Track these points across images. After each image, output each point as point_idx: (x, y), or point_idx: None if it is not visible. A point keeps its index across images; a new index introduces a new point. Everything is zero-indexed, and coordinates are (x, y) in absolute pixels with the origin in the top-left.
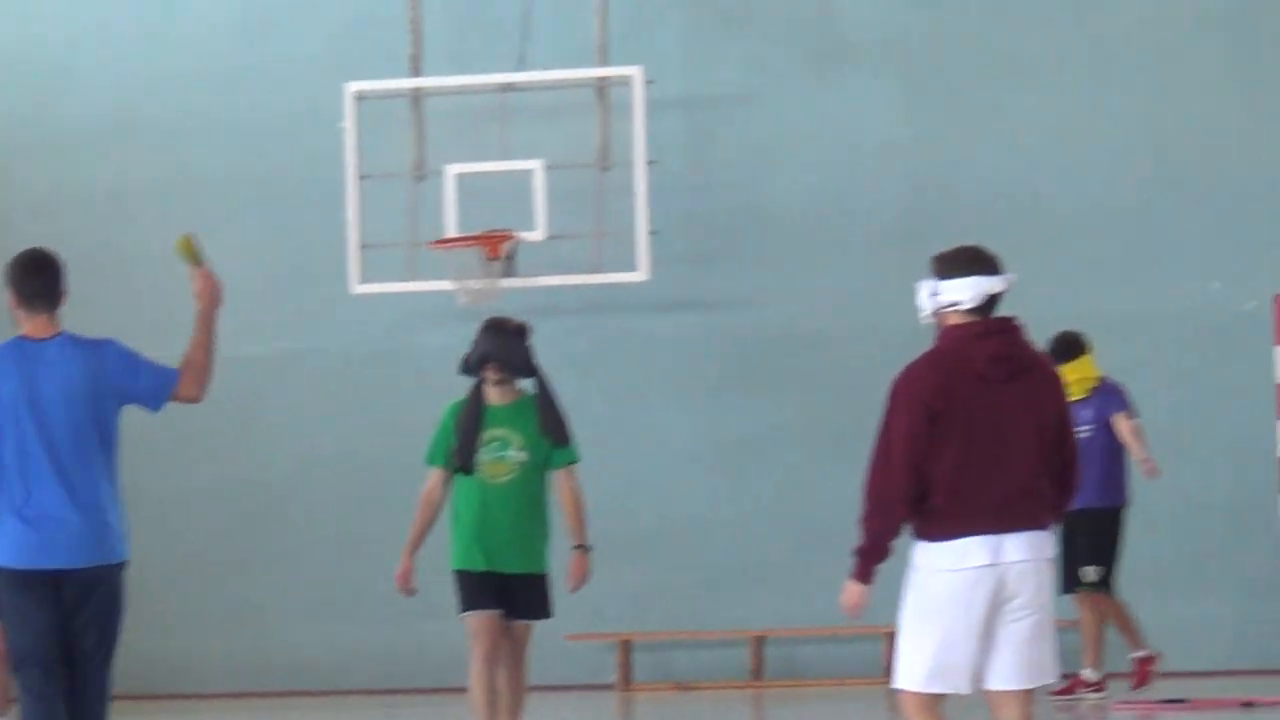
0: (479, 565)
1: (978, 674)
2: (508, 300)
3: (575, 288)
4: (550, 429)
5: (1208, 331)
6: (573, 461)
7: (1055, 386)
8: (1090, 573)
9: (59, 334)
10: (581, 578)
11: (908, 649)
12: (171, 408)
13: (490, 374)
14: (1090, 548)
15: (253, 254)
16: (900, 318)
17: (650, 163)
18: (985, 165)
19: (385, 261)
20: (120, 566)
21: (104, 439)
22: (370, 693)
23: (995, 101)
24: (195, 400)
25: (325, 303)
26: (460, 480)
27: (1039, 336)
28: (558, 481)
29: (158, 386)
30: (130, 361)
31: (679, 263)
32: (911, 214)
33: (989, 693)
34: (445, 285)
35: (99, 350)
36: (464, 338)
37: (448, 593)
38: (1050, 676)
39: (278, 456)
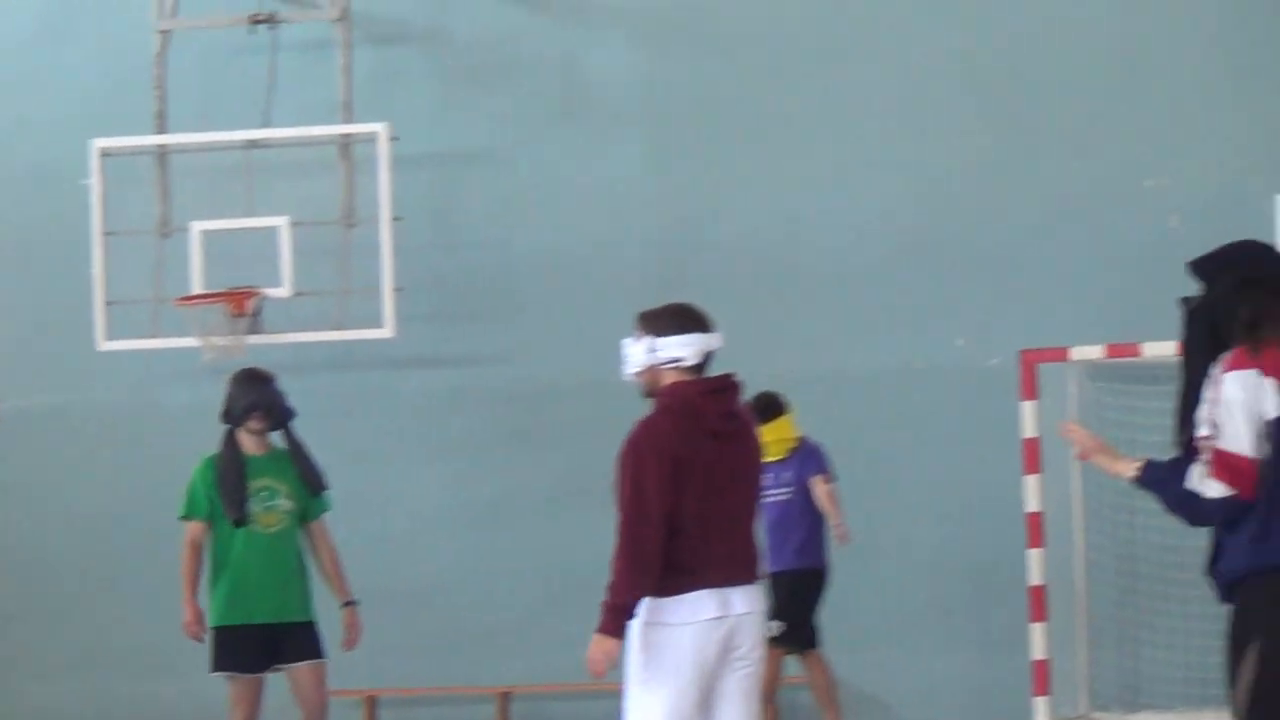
0: (244, 619)
1: None
2: (253, 356)
3: (321, 344)
4: (309, 478)
5: (954, 388)
6: (327, 510)
7: (759, 446)
8: (773, 627)
9: None
10: (358, 634)
11: (642, 705)
12: None
13: (254, 423)
14: (780, 607)
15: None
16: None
17: (396, 219)
18: (734, 219)
19: (132, 318)
20: None
21: None
22: None
23: (745, 155)
24: None
25: (73, 359)
26: (224, 533)
27: (792, 393)
28: (314, 532)
29: None
30: None
31: (425, 320)
32: (660, 268)
33: None
34: (191, 342)
35: None
36: (209, 394)
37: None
38: None
39: (30, 512)
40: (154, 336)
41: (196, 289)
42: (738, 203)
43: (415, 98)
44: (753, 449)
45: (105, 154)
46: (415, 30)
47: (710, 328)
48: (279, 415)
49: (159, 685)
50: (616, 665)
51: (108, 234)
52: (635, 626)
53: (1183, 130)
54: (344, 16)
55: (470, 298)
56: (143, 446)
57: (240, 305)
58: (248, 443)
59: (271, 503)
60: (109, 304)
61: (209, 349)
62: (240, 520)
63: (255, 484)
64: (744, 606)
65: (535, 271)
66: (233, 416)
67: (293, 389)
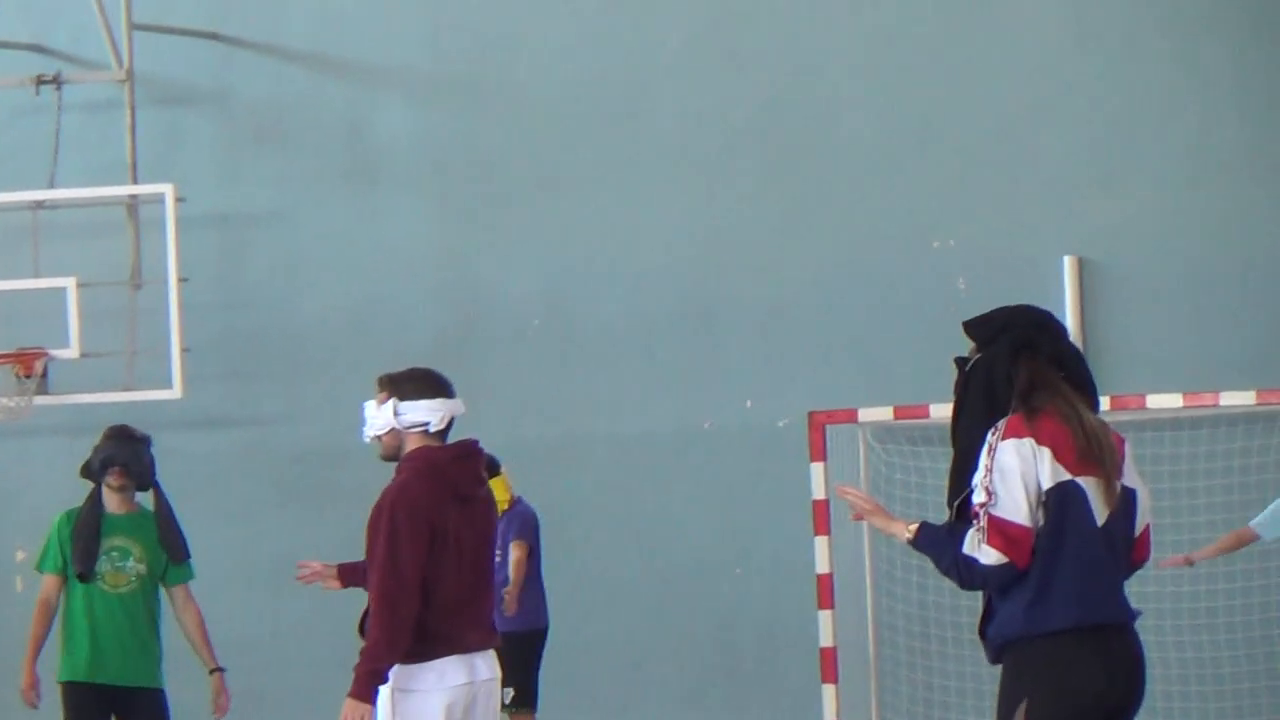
0: (90, 677)
1: None
2: (41, 417)
3: (110, 405)
4: (170, 544)
5: (743, 448)
6: (190, 578)
7: (495, 511)
8: (508, 694)
9: None
10: (224, 700)
11: None
12: None
13: (113, 479)
14: (506, 670)
15: None
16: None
17: (182, 280)
18: (517, 278)
19: None
20: None
21: None
22: None
23: (528, 214)
24: None
25: None
26: (74, 588)
27: (581, 451)
28: (177, 599)
29: None
30: None
31: (213, 380)
32: (445, 328)
33: None
34: None
35: None
36: None
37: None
38: None
39: None
40: None
41: None
42: (521, 261)
43: (201, 158)
44: (493, 513)
45: None
46: (200, 92)
47: (453, 393)
48: (138, 474)
49: None
50: None
51: None
52: (385, 693)
53: (971, 191)
54: (128, 78)
55: (257, 358)
56: None
57: (28, 366)
58: (111, 500)
59: (121, 564)
60: None
61: None
62: (85, 575)
63: (108, 542)
64: (487, 672)
65: (321, 332)
66: (91, 470)
67: (80, 450)
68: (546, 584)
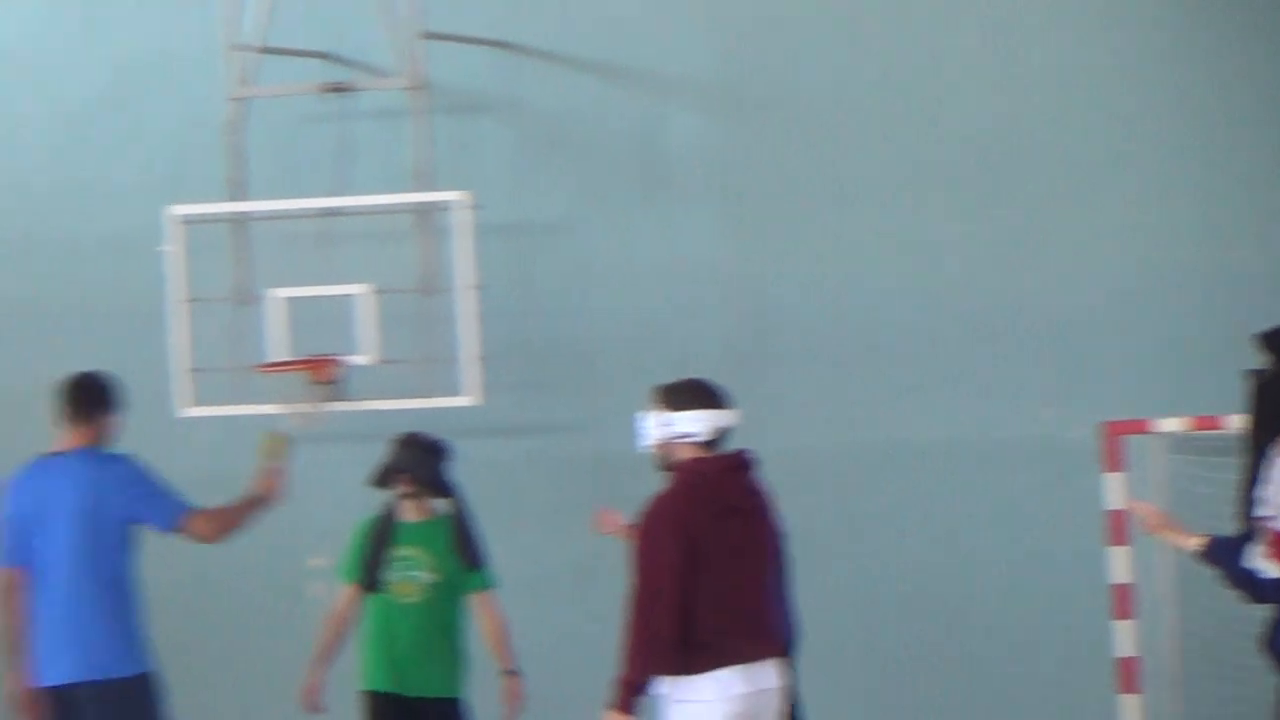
0: (383, 686)
1: None
2: (336, 425)
3: (404, 412)
4: (463, 552)
5: (1036, 459)
6: (487, 586)
7: (777, 518)
8: None
9: (80, 448)
10: (516, 705)
11: None
12: None
13: (400, 487)
14: None
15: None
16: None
17: (476, 288)
18: (810, 291)
19: (211, 385)
20: (123, 681)
21: (104, 553)
22: None
23: (821, 227)
24: (207, 542)
25: (153, 426)
26: (371, 598)
27: (872, 463)
28: (475, 606)
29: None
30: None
31: (507, 388)
32: (733, 338)
33: None
34: (273, 409)
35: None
36: (292, 461)
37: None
38: None
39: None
40: (234, 403)
41: (277, 356)
42: (814, 275)
43: (491, 167)
44: (771, 524)
45: (182, 221)
46: (490, 100)
47: (725, 404)
48: (426, 481)
49: None
50: None
51: (185, 301)
52: (667, 704)
53: (1266, 208)
54: (419, 85)
55: (551, 366)
56: None
57: (321, 373)
58: (405, 508)
59: (410, 573)
60: (189, 371)
61: (291, 417)
62: (370, 585)
63: (398, 552)
64: (768, 682)
65: (613, 340)
66: (380, 479)
67: (373, 456)
68: (818, 594)
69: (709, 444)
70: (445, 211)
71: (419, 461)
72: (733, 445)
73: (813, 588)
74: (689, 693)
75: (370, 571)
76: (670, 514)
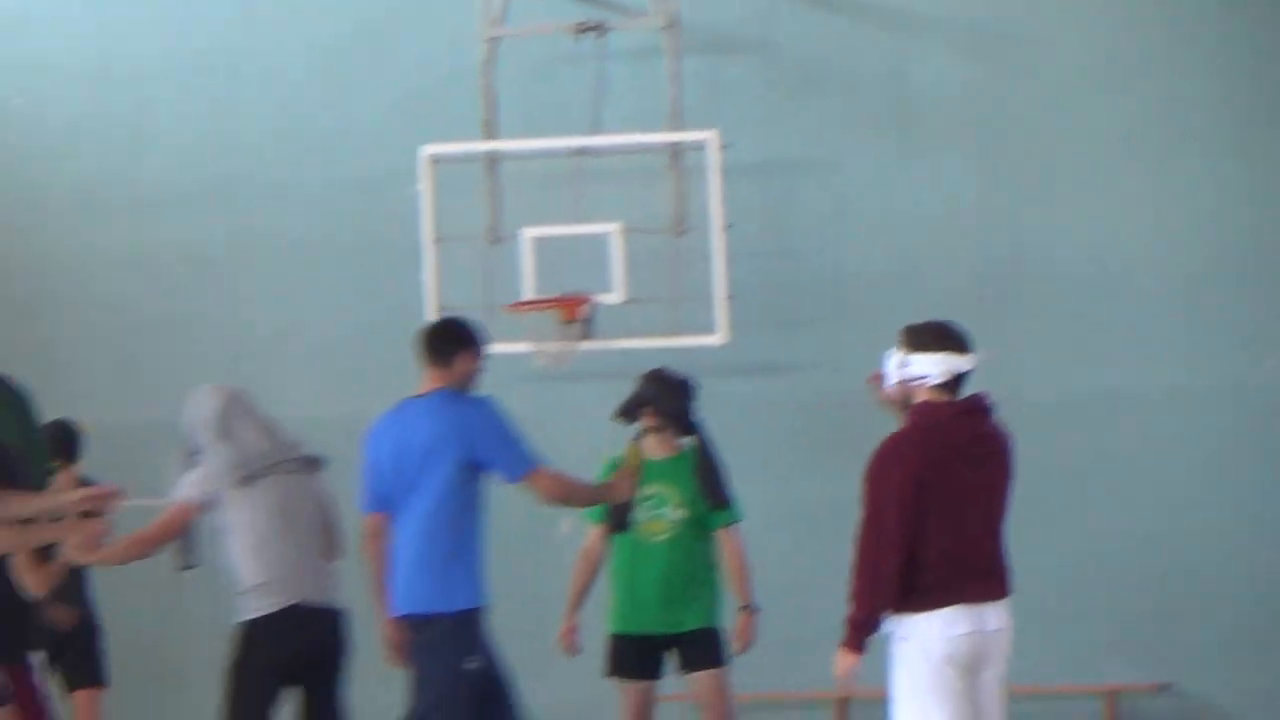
0: (631, 628)
1: None
2: (585, 363)
3: (653, 351)
4: (709, 488)
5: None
6: (734, 522)
7: (1011, 462)
8: None
9: (439, 391)
10: (748, 639)
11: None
12: None
13: (646, 420)
14: None
15: (328, 316)
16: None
17: (726, 227)
18: (1063, 236)
19: None
20: (451, 615)
21: (452, 495)
22: None
23: (1069, 170)
24: (545, 501)
25: (402, 365)
26: (618, 538)
27: (1124, 410)
28: (720, 541)
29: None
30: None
31: (756, 326)
32: (982, 282)
33: None
34: (522, 347)
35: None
36: (541, 400)
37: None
38: None
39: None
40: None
41: (527, 295)
42: (1066, 219)
43: (742, 106)
44: (1004, 468)
45: (434, 161)
46: (742, 39)
47: (965, 349)
48: (671, 415)
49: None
50: (858, 677)
51: (438, 240)
52: (895, 643)
53: None
54: (671, 25)
55: (800, 305)
56: None
57: (572, 311)
58: (650, 445)
59: (658, 510)
60: (440, 309)
61: (541, 355)
62: (621, 526)
63: (646, 490)
64: (996, 623)
65: (863, 280)
66: (627, 412)
67: (622, 395)
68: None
69: (946, 387)
70: (696, 151)
71: (666, 396)
72: (978, 388)
73: (1058, 530)
74: (914, 631)
75: (619, 512)
76: (899, 455)
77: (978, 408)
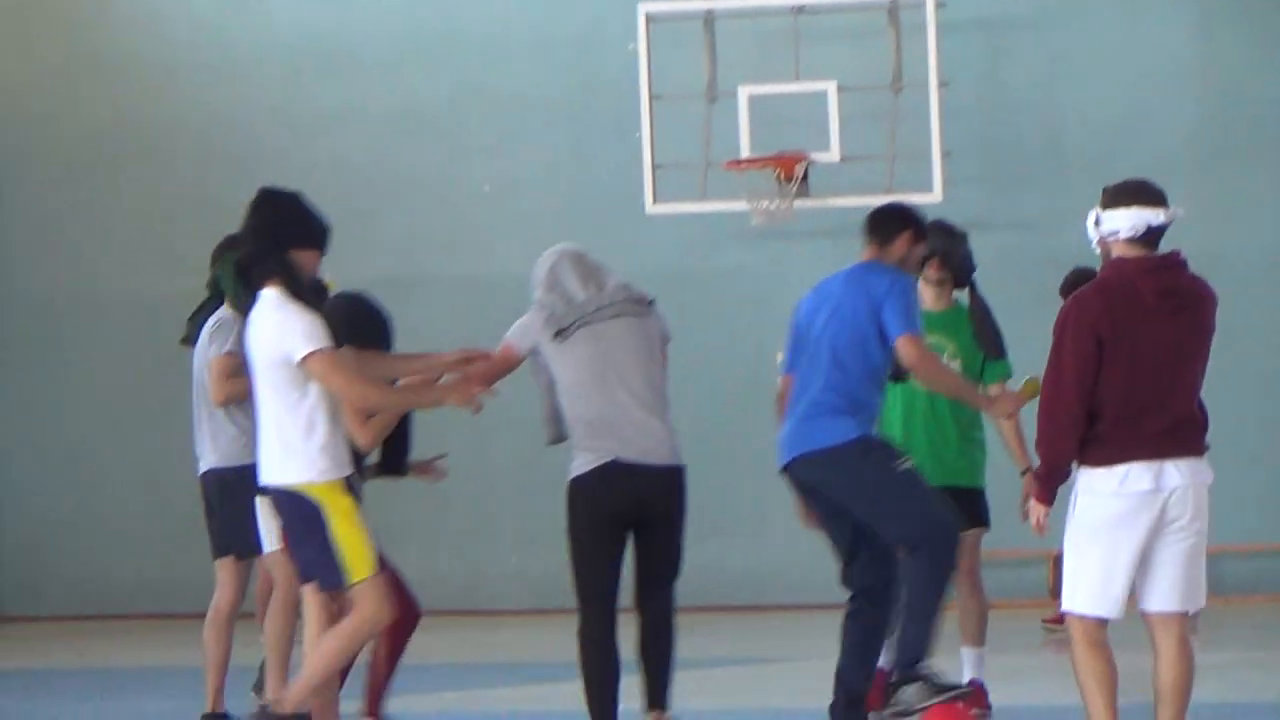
0: None
1: (1136, 597)
2: (801, 221)
3: (869, 209)
4: (986, 340)
5: None
6: (1008, 376)
7: (1213, 314)
8: None
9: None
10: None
11: (1072, 573)
12: None
13: (932, 272)
14: None
15: (544, 174)
16: (1191, 241)
17: (943, 84)
18: (1278, 91)
19: (677, 182)
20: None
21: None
22: None
23: None
24: (916, 372)
25: (618, 223)
26: (889, 387)
27: None
28: (994, 395)
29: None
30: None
31: (971, 184)
32: (1202, 137)
33: (1146, 616)
34: (739, 206)
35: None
36: (757, 258)
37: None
38: (1201, 601)
39: None
40: (702, 200)
41: (744, 153)
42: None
43: None
44: (1202, 323)
45: (651, 19)
46: None
47: (1157, 203)
48: (956, 267)
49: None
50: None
51: (655, 98)
52: (1075, 495)
53: None
54: None
55: (1017, 162)
56: (692, 309)
57: (788, 169)
58: (926, 296)
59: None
60: (656, 168)
61: (757, 213)
62: (899, 376)
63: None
64: (1179, 479)
65: (1081, 137)
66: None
67: (840, 253)
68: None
69: (1139, 242)
70: (913, 8)
71: (952, 248)
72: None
73: (1265, 386)
74: (1089, 484)
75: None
76: (1081, 309)
77: (1169, 263)
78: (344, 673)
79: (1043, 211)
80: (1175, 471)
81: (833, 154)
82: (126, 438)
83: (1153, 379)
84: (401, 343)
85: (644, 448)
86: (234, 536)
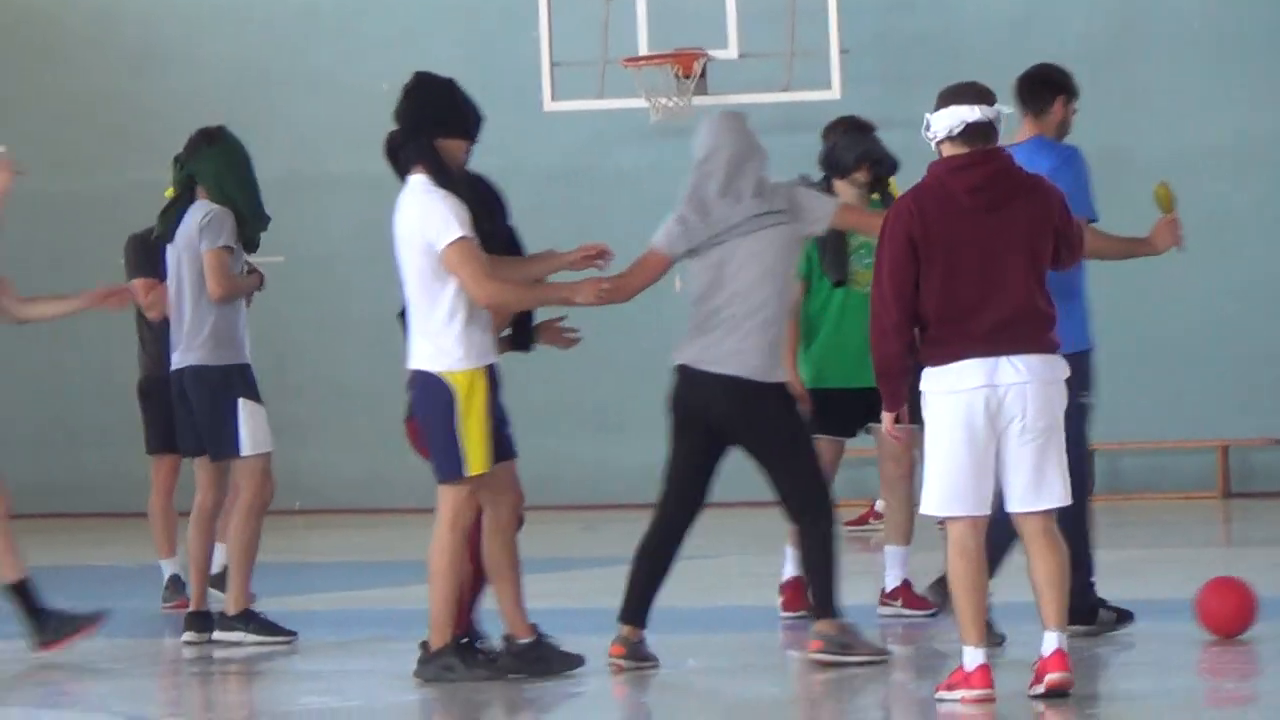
0: (838, 383)
1: (995, 497)
2: (699, 118)
3: (768, 106)
4: None
5: None
6: None
7: (1048, 204)
8: None
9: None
10: None
11: (928, 474)
12: None
13: (861, 175)
14: None
15: (442, 71)
16: (1093, 139)
17: None
18: None
19: (576, 80)
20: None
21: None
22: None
23: None
24: (1089, 254)
25: (516, 121)
26: (819, 293)
27: (1236, 165)
28: None
29: None
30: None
31: (871, 81)
32: (1100, 31)
33: (1012, 516)
34: (638, 103)
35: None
36: (655, 155)
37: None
38: (1058, 499)
39: None
40: (600, 97)
41: (643, 50)
42: None
43: None
44: (1026, 217)
45: None
46: None
47: (977, 100)
48: (887, 167)
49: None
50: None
51: None
52: (922, 395)
53: None
54: None
55: (916, 60)
56: (591, 207)
57: (687, 67)
58: (848, 195)
59: (869, 260)
60: (555, 65)
61: (656, 110)
62: (840, 280)
63: (854, 241)
64: (1016, 376)
65: (979, 35)
66: (839, 167)
67: None
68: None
69: (963, 140)
70: None
71: (877, 146)
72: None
73: (1170, 288)
74: (929, 384)
75: (837, 266)
76: (895, 212)
77: (982, 159)
78: (477, 583)
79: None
80: (1011, 368)
81: (731, 51)
82: (26, 338)
83: (977, 276)
84: (300, 237)
85: (725, 362)
86: (211, 438)
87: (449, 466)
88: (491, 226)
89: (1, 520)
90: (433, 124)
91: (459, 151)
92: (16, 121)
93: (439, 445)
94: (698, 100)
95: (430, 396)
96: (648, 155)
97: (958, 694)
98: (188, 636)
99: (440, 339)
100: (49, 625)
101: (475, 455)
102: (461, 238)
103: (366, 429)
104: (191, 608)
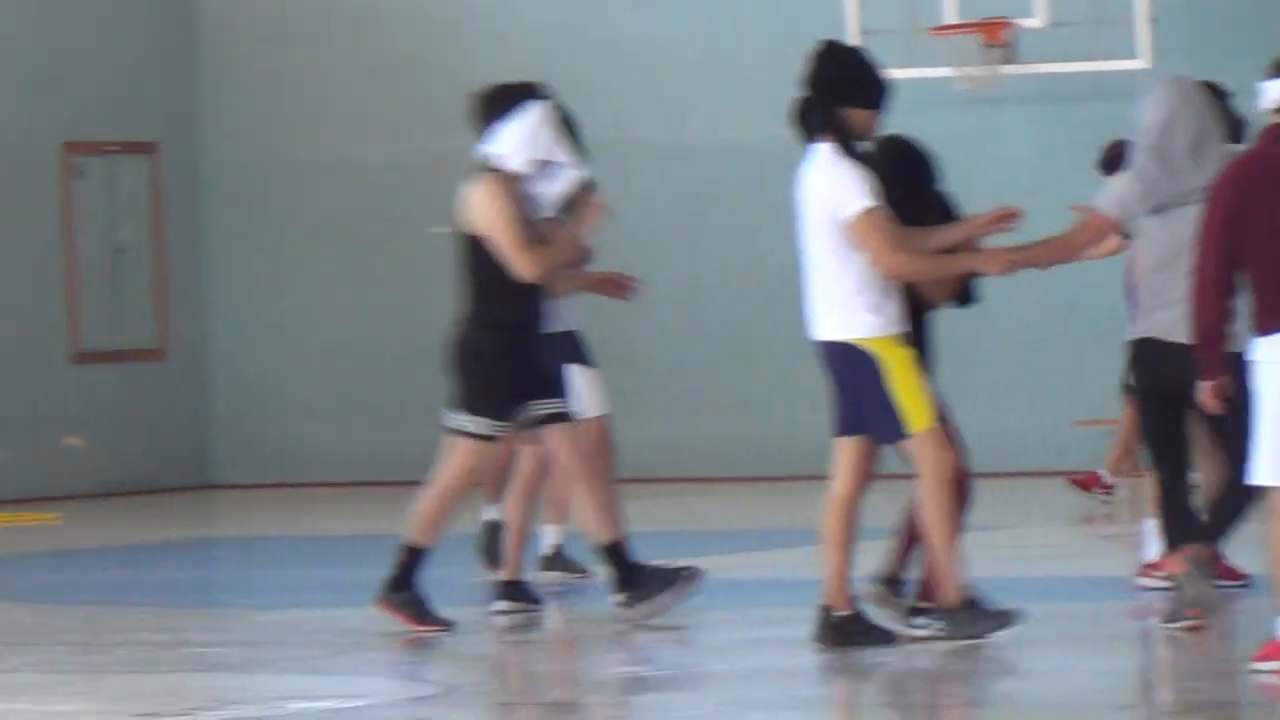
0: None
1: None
2: (1007, 88)
3: (1074, 75)
4: None
5: None
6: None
7: None
8: None
9: None
10: None
11: (1258, 444)
12: None
13: None
14: None
15: (745, 42)
16: None
17: None
18: None
19: (881, 48)
20: None
21: None
22: None
23: None
24: None
25: None
26: None
27: None
28: None
29: None
30: None
31: (1179, 52)
32: None
33: None
34: (944, 71)
35: None
36: (962, 124)
37: None
38: None
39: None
40: (907, 66)
41: (949, 18)
42: None
43: None
44: None
45: None
46: None
47: None
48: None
49: None
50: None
51: None
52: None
53: None
54: None
55: (1223, 29)
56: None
57: (994, 35)
58: None
59: None
60: (862, 34)
61: (962, 79)
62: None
63: None
64: None
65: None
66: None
67: (1046, 119)
68: None
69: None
70: None
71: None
72: None
73: None
74: (1262, 353)
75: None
76: (1221, 180)
77: None
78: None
79: (1253, 78)
80: None
81: (1039, 19)
82: (338, 307)
83: None
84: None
85: (1177, 330)
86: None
87: (890, 429)
88: (904, 194)
89: (599, 480)
90: (839, 93)
91: (866, 120)
92: (331, 91)
93: (875, 412)
94: (1005, 70)
95: (851, 365)
96: (954, 124)
97: (1273, 664)
98: (499, 606)
99: (851, 308)
100: (642, 582)
101: (917, 412)
102: (867, 208)
103: (674, 399)
104: (506, 577)
